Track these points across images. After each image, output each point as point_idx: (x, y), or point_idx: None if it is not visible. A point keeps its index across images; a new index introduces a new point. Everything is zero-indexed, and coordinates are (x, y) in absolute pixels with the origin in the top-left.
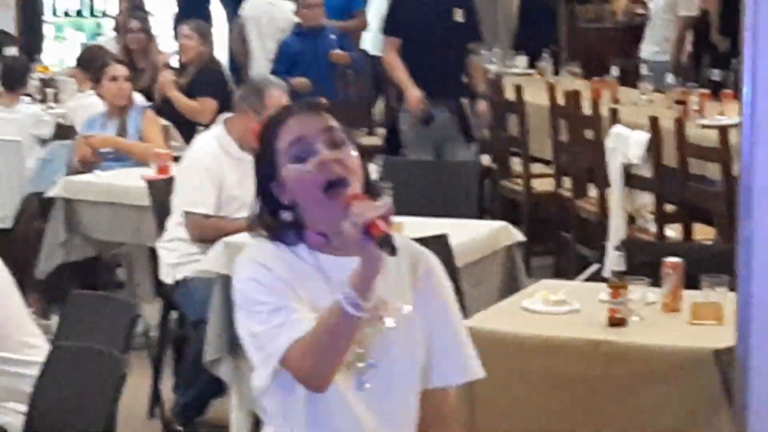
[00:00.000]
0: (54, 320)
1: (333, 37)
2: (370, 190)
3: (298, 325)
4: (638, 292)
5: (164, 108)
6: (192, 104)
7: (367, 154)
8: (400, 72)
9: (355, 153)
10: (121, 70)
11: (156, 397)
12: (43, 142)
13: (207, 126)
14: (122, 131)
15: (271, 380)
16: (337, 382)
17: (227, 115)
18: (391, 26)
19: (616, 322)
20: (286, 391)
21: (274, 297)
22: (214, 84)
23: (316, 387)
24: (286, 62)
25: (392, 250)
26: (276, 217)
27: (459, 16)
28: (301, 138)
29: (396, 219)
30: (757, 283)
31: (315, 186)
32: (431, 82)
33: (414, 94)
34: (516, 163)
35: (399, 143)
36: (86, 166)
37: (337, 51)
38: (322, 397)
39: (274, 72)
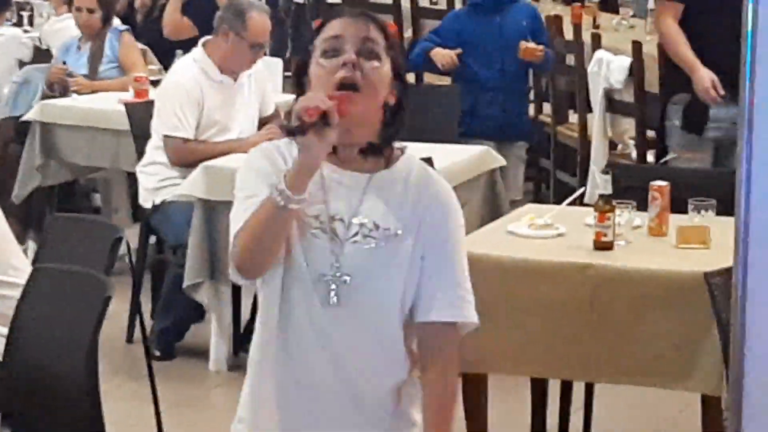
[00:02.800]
0: (30, 245)
1: (525, 23)
2: (391, 113)
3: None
4: (624, 216)
5: (142, 31)
6: (177, 17)
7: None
8: (682, 47)
9: (386, 70)
10: (84, 1)
11: (134, 322)
12: (21, 65)
13: (185, 50)
14: (97, 55)
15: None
16: (304, 292)
17: (207, 38)
18: None
19: (603, 246)
20: (264, 294)
21: (258, 186)
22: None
23: (245, 274)
24: (449, 39)
25: (291, 132)
26: None
27: None
28: (337, 37)
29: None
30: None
31: (327, 84)
32: (722, 67)
33: (704, 75)
34: None
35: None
36: (54, 92)
37: (530, 44)
38: (292, 311)
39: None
